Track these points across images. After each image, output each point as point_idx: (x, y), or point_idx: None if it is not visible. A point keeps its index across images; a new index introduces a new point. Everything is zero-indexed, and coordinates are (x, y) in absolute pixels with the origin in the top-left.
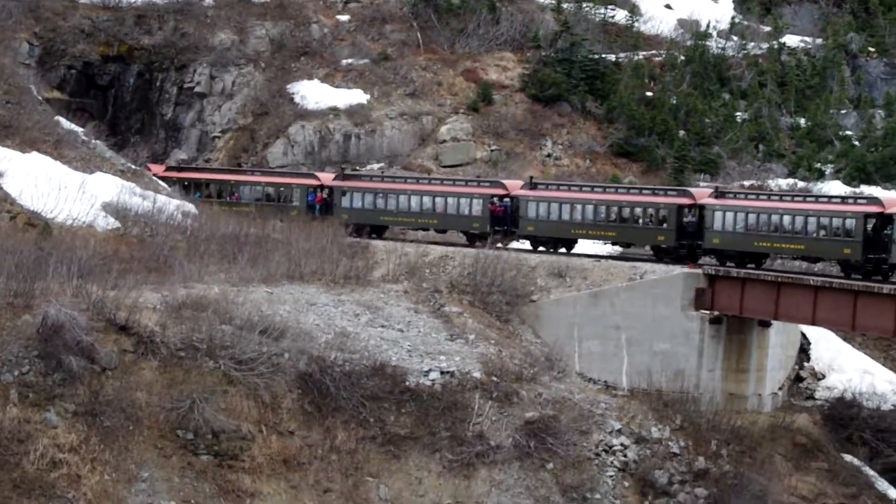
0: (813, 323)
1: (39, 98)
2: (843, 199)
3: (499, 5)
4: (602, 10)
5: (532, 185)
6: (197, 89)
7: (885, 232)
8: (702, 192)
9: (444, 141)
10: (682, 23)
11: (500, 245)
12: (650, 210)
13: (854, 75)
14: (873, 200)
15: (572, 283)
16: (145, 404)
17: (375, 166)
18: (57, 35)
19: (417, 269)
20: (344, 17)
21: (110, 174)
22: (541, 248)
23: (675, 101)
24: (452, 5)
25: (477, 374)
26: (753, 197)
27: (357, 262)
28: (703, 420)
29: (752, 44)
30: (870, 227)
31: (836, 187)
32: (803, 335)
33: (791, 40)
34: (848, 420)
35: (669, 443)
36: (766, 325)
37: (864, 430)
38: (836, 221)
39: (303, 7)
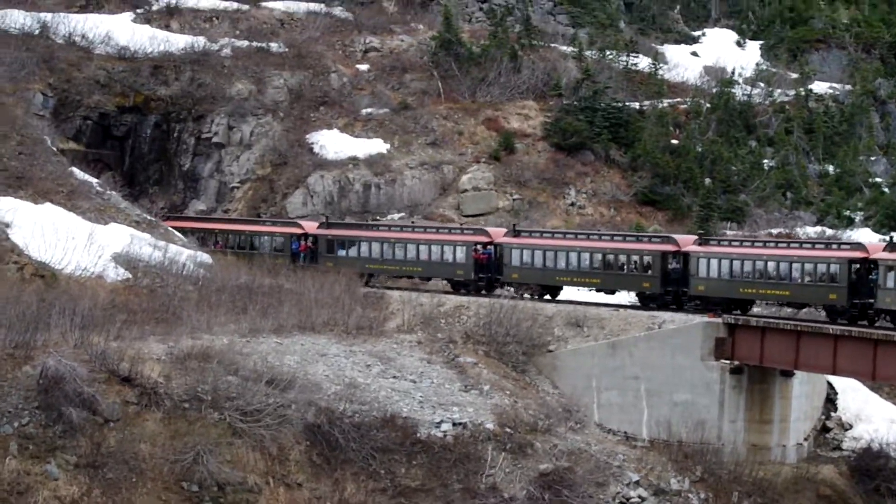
0: (833, 372)
1: (53, 149)
2: (828, 245)
3: (520, 54)
4: (624, 58)
5: (515, 232)
6: (215, 139)
7: (871, 277)
8: (686, 238)
9: (466, 190)
10: (707, 70)
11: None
12: (634, 257)
13: (883, 121)
14: (858, 246)
15: (590, 333)
16: (149, 456)
17: (396, 216)
18: (72, 86)
19: (433, 320)
20: (363, 67)
21: (124, 225)
22: (526, 296)
23: (700, 149)
24: (473, 54)
25: (490, 426)
26: (738, 243)
27: (371, 312)
28: (724, 471)
29: (779, 90)
30: (854, 272)
31: (865, 235)
32: (830, 385)
33: (819, 87)
34: (875, 471)
35: (689, 495)
36: (788, 374)
37: (892, 480)
38: (822, 267)
39: (321, 56)
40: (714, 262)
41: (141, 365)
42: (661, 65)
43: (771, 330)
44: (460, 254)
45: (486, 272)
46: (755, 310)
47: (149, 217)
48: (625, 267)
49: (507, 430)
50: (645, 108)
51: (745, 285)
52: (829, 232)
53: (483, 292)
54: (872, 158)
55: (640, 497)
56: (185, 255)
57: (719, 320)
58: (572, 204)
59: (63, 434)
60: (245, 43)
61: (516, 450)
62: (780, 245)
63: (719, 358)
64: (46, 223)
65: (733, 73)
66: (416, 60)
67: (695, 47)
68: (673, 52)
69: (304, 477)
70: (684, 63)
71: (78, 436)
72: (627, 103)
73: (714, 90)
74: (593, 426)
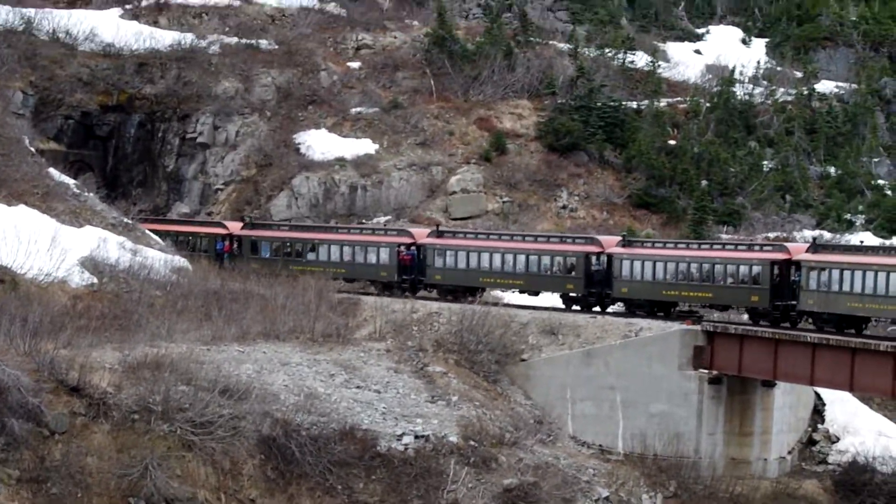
0: (811, 383)
1: (31, 149)
2: (750, 247)
3: (516, 51)
4: (622, 56)
5: (439, 233)
6: (199, 139)
7: (793, 279)
8: (610, 240)
9: (454, 192)
10: (710, 68)
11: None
12: (558, 258)
13: (888, 122)
14: (779, 247)
15: (565, 341)
16: (95, 470)
17: (382, 219)
18: (54, 84)
19: (405, 327)
20: (354, 64)
21: (99, 227)
22: (449, 297)
23: (697, 150)
24: (467, 51)
25: (454, 439)
26: (661, 245)
27: (340, 319)
28: (699, 486)
29: (782, 90)
30: (776, 274)
31: (866, 238)
32: (818, 395)
33: (825, 86)
34: (860, 486)
35: None
36: (769, 385)
37: (877, 496)
38: (744, 269)
39: (311, 54)
40: (637, 263)
41: (91, 374)
42: (659, 62)
43: (749, 338)
44: (384, 255)
45: (409, 274)
46: (731, 316)
47: (126, 220)
48: (548, 269)
49: (472, 443)
50: (642, 107)
51: (667, 287)
52: (828, 235)
53: (406, 294)
54: (876, 160)
55: None
56: (159, 259)
57: (698, 328)
58: (564, 207)
59: (6, 447)
60: (234, 39)
61: (480, 464)
62: (702, 247)
63: (698, 367)
64: (9, 226)
65: (733, 71)
66: (409, 58)
67: (698, 45)
68: (676, 49)
69: (258, 492)
70: (687, 61)
71: (21, 448)
72: (624, 102)
73: (715, 89)
74: (567, 439)
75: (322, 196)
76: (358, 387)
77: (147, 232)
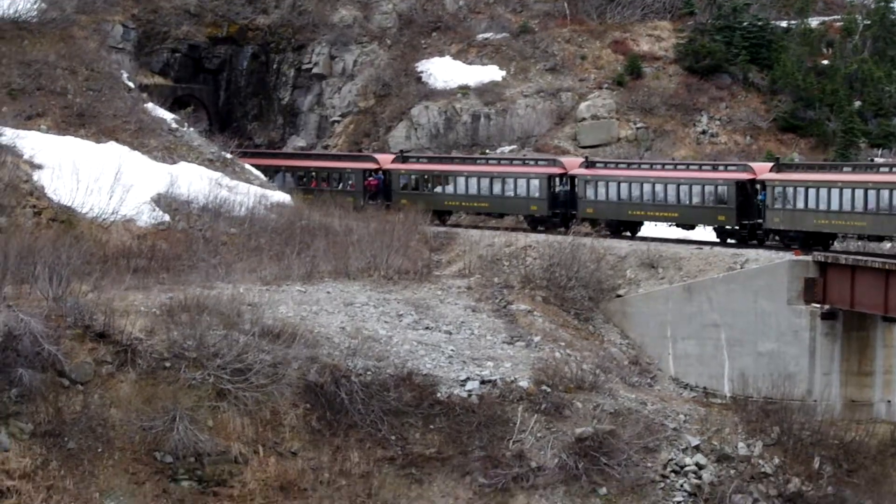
0: None
1: (129, 84)
2: (715, 167)
3: None
4: None
5: (403, 158)
6: (315, 70)
7: (759, 198)
8: (573, 161)
9: (584, 119)
10: None
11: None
12: (521, 181)
13: None
14: (744, 167)
15: (665, 275)
16: (119, 423)
17: (507, 148)
18: (158, 17)
19: (496, 262)
20: None
21: (195, 163)
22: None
23: (848, 70)
24: None
25: (524, 383)
26: (625, 166)
27: (425, 255)
28: (806, 433)
29: None
30: (742, 193)
31: None
32: None
33: None
34: None
35: (760, 461)
36: (892, 320)
37: None
38: (709, 189)
39: None
40: (601, 185)
41: (121, 319)
42: None
43: (861, 269)
44: (350, 180)
45: (375, 198)
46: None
47: (226, 154)
48: (512, 191)
49: (545, 387)
50: (792, 26)
51: (633, 207)
52: None
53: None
54: None
55: (696, 465)
56: (255, 194)
57: (808, 258)
58: (703, 132)
59: (18, 399)
60: None
61: (552, 411)
62: (666, 167)
63: (809, 302)
64: (82, 163)
65: None
66: None
67: None
68: None
69: (300, 444)
70: None
71: (37, 401)
72: (773, 22)
73: (873, 6)
74: (667, 380)
75: (443, 126)
76: (427, 328)
77: (247, 167)
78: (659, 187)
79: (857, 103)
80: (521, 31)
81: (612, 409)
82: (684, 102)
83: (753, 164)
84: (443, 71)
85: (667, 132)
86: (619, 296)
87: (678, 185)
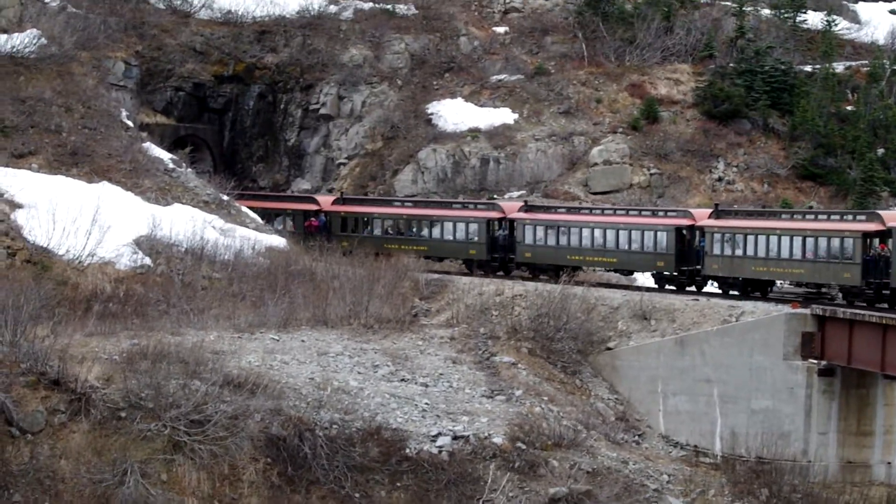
0: None
1: (127, 123)
2: (655, 213)
3: (681, 10)
4: (790, 14)
5: (343, 200)
6: (322, 111)
7: (698, 244)
8: (512, 206)
9: (595, 164)
10: None
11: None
12: (460, 224)
13: None
14: (684, 213)
15: (658, 328)
16: (69, 475)
17: (515, 193)
18: (162, 54)
19: (486, 311)
20: (500, 29)
21: (189, 205)
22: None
23: (872, 115)
24: (624, 13)
25: (498, 440)
26: (564, 211)
27: (411, 302)
28: (797, 495)
29: None
30: (681, 239)
31: None
32: None
33: None
34: None
35: None
36: (893, 378)
37: None
38: (648, 235)
39: (452, 19)
40: (540, 229)
41: (77, 366)
42: (836, 21)
43: (859, 323)
44: (290, 224)
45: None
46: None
47: (223, 196)
48: (451, 235)
49: (520, 444)
50: (816, 70)
51: (571, 252)
52: None
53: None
54: None
55: None
56: (248, 238)
57: (807, 311)
58: (720, 179)
59: None
60: (368, 4)
61: (526, 469)
62: (606, 212)
63: (806, 357)
64: (63, 203)
65: None
66: (560, 21)
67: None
68: (866, 9)
69: (259, 501)
70: (877, 21)
71: None
72: (797, 66)
73: None
74: (657, 438)
75: (451, 169)
76: (403, 379)
77: (244, 209)
78: (598, 232)
79: (881, 150)
80: (536, 72)
81: (591, 468)
82: (701, 148)
83: (693, 210)
84: (453, 113)
85: (681, 178)
86: (608, 348)
87: (617, 231)
